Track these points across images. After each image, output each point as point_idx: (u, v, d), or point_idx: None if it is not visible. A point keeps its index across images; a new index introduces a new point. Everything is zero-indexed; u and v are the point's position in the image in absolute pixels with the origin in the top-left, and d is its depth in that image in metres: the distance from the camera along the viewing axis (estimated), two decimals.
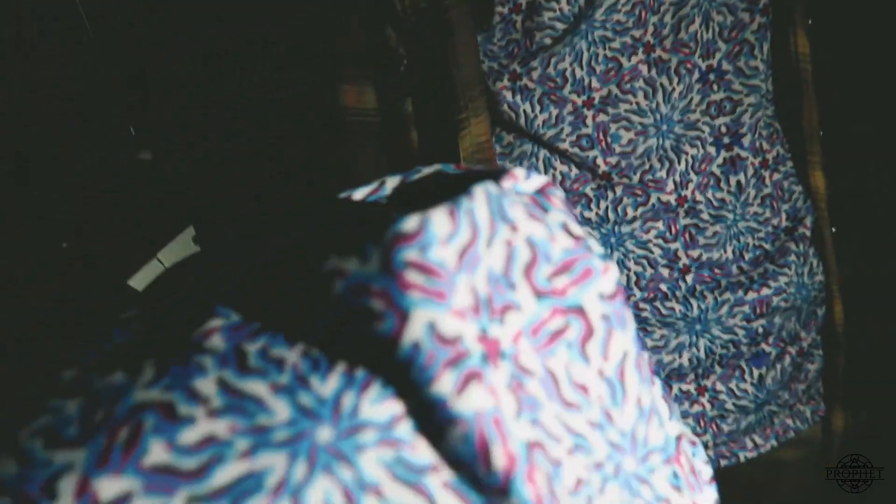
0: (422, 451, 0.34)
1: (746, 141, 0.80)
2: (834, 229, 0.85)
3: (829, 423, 0.88)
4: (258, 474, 0.32)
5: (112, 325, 0.37)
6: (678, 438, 0.43)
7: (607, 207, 0.81)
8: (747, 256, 0.82)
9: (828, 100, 0.82)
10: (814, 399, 0.88)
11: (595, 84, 0.78)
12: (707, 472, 0.44)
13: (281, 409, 0.33)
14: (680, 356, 0.82)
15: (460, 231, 0.35)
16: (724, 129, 0.80)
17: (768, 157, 0.82)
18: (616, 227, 0.81)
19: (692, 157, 0.79)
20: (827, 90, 0.81)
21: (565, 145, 0.79)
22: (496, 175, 0.38)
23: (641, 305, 0.82)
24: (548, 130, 0.79)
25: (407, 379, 0.33)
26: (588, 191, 0.81)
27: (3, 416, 0.34)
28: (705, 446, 0.84)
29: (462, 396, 0.33)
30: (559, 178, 0.81)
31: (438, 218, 0.34)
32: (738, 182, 0.80)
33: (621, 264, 0.82)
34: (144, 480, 0.31)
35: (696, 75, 0.78)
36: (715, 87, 0.79)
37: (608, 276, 0.38)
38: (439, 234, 0.34)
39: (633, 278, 0.82)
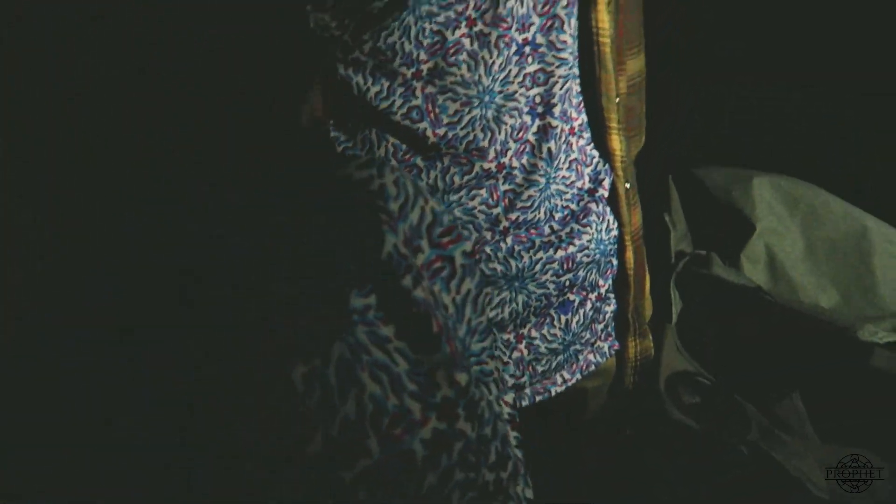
0: (385, 329, 0.64)
1: (557, 110, 0.88)
2: (627, 185, 0.96)
3: (623, 354, 1.02)
4: None
5: None
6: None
7: (436, 177, 0.86)
8: (557, 217, 0.91)
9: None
10: (610, 335, 1.00)
11: (423, 57, 0.81)
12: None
13: None
14: (502, 311, 0.91)
15: (400, 195, 0.66)
16: (538, 100, 0.87)
17: (575, 124, 0.91)
18: (445, 196, 0.86)
19: (511, 126, 0.86)
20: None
21: (397, 118, 0.82)
22: None
23: None
24: (380, 103, 0.82)
25: (385, 276, 0.61)
26: (418, 161, 0.85)
27: None
28: (522, 387, 0.94)
29: (416, 289, 0.64)
30: (391, 149, 0.85)
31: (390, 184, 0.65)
32: (549, 149, 0.88)
33: None
34: None
35: (514, 48, 0.84)
36: (530, 60, 0.85)
37: (470, 240, 0.73)
38: (391, 193, 0.66)
39: None
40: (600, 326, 0.99)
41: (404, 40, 0.80)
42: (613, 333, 1.01)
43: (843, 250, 1.04)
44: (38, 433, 0.74)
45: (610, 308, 1.00)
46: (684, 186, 1.14)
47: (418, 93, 0.82)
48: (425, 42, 0.80)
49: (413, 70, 0.81)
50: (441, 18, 0.80)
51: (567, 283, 0.93)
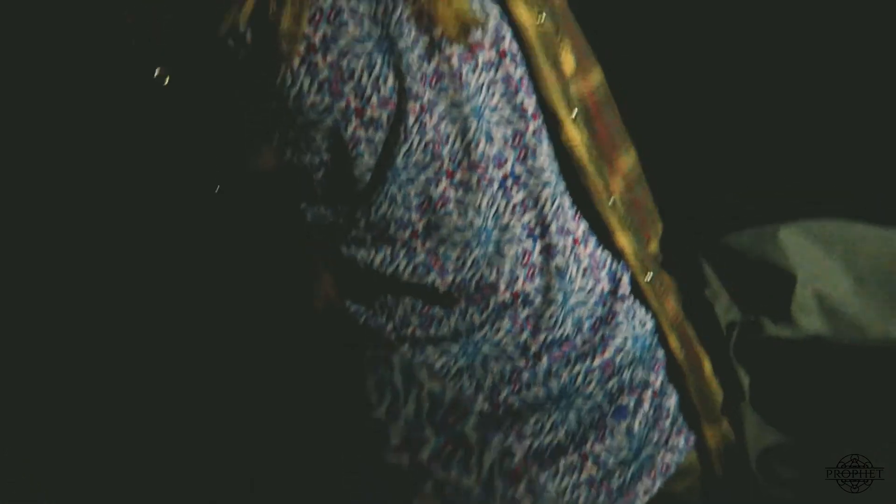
0: None
1: (554, 228, 0.89)
2: (649, 276, 0.95)
3: (703, 445, 0.97)
4: None
5: None
6: None
7: (456, 321, 0.87)
8: (585, 327, 0.90)
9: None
10: (682, 430, 0.96)
11: (415, 217, 0.85)
12: None
13: None
14: (556, 434, 0.89)
15: (385, 397, 0.63)
16: (532, 224, 0.88)
17: (577, 235, 0.91)
18: (469, 336, 0.87)
19: (514, 255, 0.87)
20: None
21: (406, 277, 0.86)
22: None
23: (511, 399, 0.88)
24: (387, 269, 0.85)
25: None
26: (437, 311, 0.87)
27: None
28: None
29: None
30: (409, 307, 0.87)
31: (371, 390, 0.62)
32: (557, 266, 0.89)
33: (484, 366, 0.88)
34: None
35: (496, 185, 0.87)
36: (514, 190, 0.88)
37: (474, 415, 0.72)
38: (373, 401, 0.63)
39: (497, 375, 0.88)
40: (668, 423, 0.95)
41: (394, 208, 0.84)
42: (685, 427, 0.97)
43: (893, 272, 0.99)
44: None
45: (672, 401, 0.96)
46: (715, 258, 1.12)
47: (420, 250, 0.85)
48: (414, 204, 0.84)
49: (410, 231, 0.85)
50: (422, 179, 0.84)
51: (615, 389, 0.90)
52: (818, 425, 0.97)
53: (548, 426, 0.88)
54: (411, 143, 0.83)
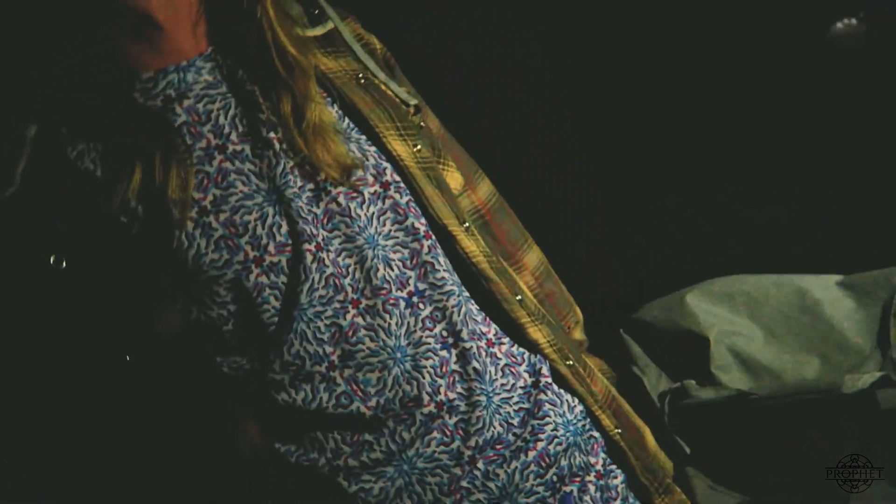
0: None
1: (465, 333, 0.92)
2: (570, 362, 0.98)
3: None
4: None
5: None
6: None
7: (387, 442, 0.88)
8: (515, 422, 0.92)
9: None
10: None
11: (329, 350, 0.87)
12: None
13: None
14: None
15: None
16: (444, 334, 0.91)
17: (489, 336, 0.95)
18: (403, 454, 0.88)
19: (431, 366, 0.90)
20: None
21: (330, 410, 0.87)
22: None
23: None
24: (310, 405, 0.86)
25: None
26: (367, 436, 0.88)
27: None
28: None
29: None
30: (339, 438, 0.88)
31: None
32: (475, 368, 0.91)
33: (422, 482, 0.89)
34: None
35: (402, 304, 0.90)
36: (421, 306, 0.91)
37: None
38: None
39: (436, 489, 0.88)
40: (618, 503, 0.96)
41: (305, 344, 0.86)
42: (636, 502, 0.98)
43: (796, 318, 1.04)
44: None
45: (618, 481, 0.97)
46: (634, 333, 1.16)
47: (339, 380, 0.87)
48: (325, 336, 0.87)
49: (326, 364, 0.87)
50: (329, 312, 0.87)
51: (556, 478, 0.92)
52: (763, 479, 0.99)
53: None
54: (312, 280, 0.87)
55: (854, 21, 1.33)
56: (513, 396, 0.93)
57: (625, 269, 1.35)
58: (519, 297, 0.97)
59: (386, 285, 0.90)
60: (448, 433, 0.89)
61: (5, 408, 0.85)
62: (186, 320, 0.84)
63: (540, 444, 0.92)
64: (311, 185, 0.88)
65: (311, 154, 0.87)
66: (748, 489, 0.98)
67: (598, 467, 0.96)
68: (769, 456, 0.98)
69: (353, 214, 0.89)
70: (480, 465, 0.89)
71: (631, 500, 0.98)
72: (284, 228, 0.87)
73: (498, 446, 0.90)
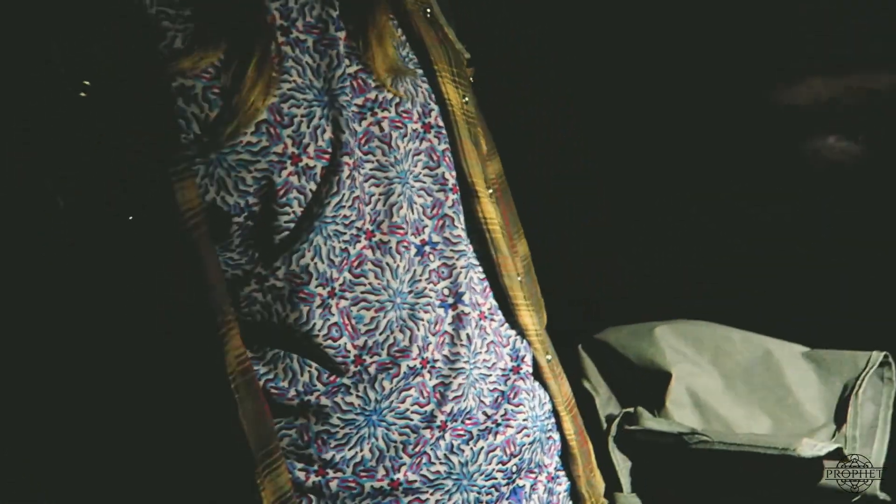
0: None
1: (466, 298, 0.89)
2: (549, 357, 0.96)
3: None
4: None
5: None
6: None
7: (365, 388, 0.83)
8: (487, 401, 0.89)
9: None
10: None
11: (335, 275, 0.81)
12: None
13: None
14: None
15: None
16: (446, 292, 0.88)
17: (484, 309, 0.92)
18: (377, 405, 0.83)
19: (427, 321, 0.86)
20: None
21: (319, 339, 0.81)
22: None
23: (411, 476, 0.84)
24: (300, 328, 0.80)
25: None
26: (345, 380, 0.82)
27: None
28: None
29: None
30: (315, 374, 0.82)
31: None
32: (468, 335, 0.88)
33: (386, 438, 0.84)
34: None
35: (413, 250, 0.86)
36: (431, 258, 0.88)
37: None
38: None
39: (400, 446, 0.84)
40: None
41: (317, 261, 0.81)
42: None
43: (757, 375, 1.07)
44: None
45: (562, 487, 0.96)
46: (592, 352, 1.16)
47: (334, 310, 0.82)
48: (337, 260, 0.81)
49: (329, 289, 0.81)
50: (347, 236, 0.82)
51: (514, 469, 0.89)
52: None
53: None
54: (342, 196, 0.81)
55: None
56: (490, 375, 0.91)
57: (629, 267, 1.34)
58: (520, 278, 0.95)
59: (404, 226, 0.85)
60: (425, 395, 0.86)
61: (5, 408, 0.83)
62: (200, 200, 0.76)
63: (509, 431, 0.89)
64: (359, 101, 0.84)
65: (371, 60, 0.83)
66: None
67: (551, 469, 0.95)
68: (709, 501, 1.00)
69: (392, 144, 0.85)
70: (448, 436, 0.85)
71: None
72: (328, 135, 0.81)
73: (467, 422, 0.87)
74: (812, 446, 0.92)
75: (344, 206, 0.82)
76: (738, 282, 1.16)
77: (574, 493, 0.97)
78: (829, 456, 0.94)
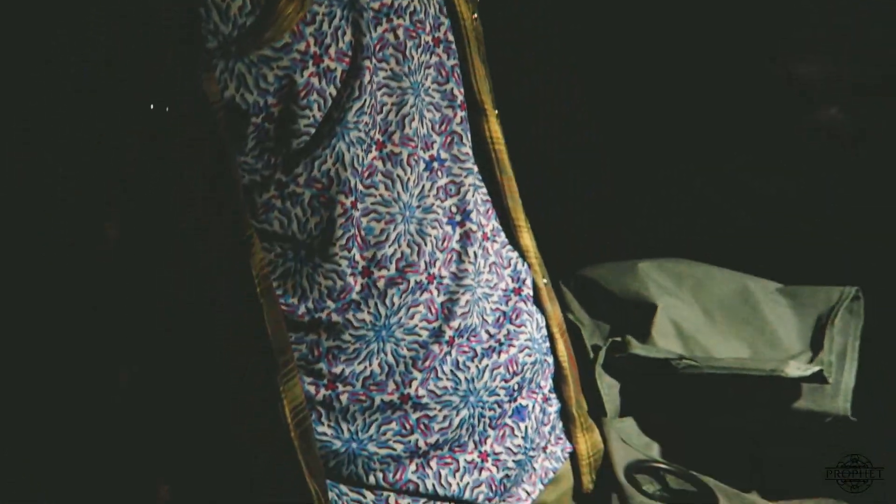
0: None
1: (473, 216, 0.90)
2: (545, 280, 0.98)
3: (576, 455, 0.99)
4: None
5: None
6: None
7: (375, 304, 0.83)
8: (490, 320, 0.90)
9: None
10: (560, 438, 0.98)
11: (358, 185, 0.81)
12: None
13: None
14: (461, 429, 0.87)
15: None
16: (454, 209, 0.89)
17: (487, 230, 0.93)
18: (387, 320, 0.83)
19: (435, 237, 0.86)
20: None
21: (335, 248, 0.80)
22: None
23: (420, 391, 0.85)
24: (320, 235, 0.79)
25: None
26: (354, 296, 0.82)
27: None
28: None
29: None
30: (325, 292, 0.82)
31: None
32: (474, 253, 0.89)
33: (395, 353, 0.84)
34: None
35: (423, 165, 0.86)
36: (440, 174, 0.88)
37: None
38: None
39: (410, 361, 0.84)
40: (547, 429, 0.97)
41: (339, 167, 0.80)
42: (563, 435, 0.99)
43: (735, 308, 1.11)
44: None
45: (553, 408, 0.98)
46: (574, 287, 1.18)
47: (353, 221, 0.81)
48: (360, 169, 0.81)
49: (352, 198, 0.80)
50: (367, 144, 0.81)
51: (516, 387, 0.91)
52: (678, 441, 1.04)
53: (455, 422, 0.86)
54: (364, 102, 0.80)
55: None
56: (493, 295, 0.92)
57: (633, 239, 1.36)
58: (520, 202, 0.96)
59: (415, 139, 0.85)
60: (433, 311, 0.86)
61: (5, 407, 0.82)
62: (220, 96, 0.74)
63: (512, 350, 0.91)
64: (376, 4, 0.82)
65: None
66: (667, 453, 1.03)
67: (545, 391, 0.97)
68: (695, 423, 1.03)
69: (407, 53, 0.85)
70: (454, 352, 0.86)
71: (559, 430, 0.99)
72: (348, 37, 0.80)
73: (472, 339, 0.88)
74: (798, 367, 0.97)
75: (365, 113, 0.81)
76: (742, 254, 1.19)
77: (565, 413, 0.99)
78: (810, 378, 0.99)
